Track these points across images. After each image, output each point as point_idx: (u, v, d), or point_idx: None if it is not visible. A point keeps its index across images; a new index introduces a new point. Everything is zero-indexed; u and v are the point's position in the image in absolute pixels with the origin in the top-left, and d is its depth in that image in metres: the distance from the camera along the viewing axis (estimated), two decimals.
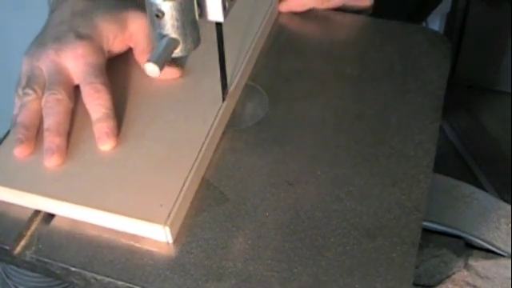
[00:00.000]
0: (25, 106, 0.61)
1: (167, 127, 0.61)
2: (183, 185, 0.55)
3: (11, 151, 0.59)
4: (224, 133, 0.63)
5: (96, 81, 0.61)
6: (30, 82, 0.62)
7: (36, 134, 0.60)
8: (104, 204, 0.54)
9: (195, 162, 0.57)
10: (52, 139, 0.58)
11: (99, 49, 0.63)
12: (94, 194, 0.55)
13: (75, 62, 0.61)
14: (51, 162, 0.58)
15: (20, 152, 0.59)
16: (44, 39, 0.63)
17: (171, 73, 0.65)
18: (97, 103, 0.60)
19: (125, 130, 0.61)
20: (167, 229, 0.53)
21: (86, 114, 0.61)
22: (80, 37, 0.62)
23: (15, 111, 0.63)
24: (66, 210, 0.55)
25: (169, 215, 0.53)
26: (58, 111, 0.60)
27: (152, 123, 0.61)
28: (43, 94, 0.61)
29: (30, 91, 0.61)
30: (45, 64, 0.62)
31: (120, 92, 0.64)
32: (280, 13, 0.75)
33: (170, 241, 0.53)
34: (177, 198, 0.54)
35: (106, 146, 0.59)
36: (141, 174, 0.57)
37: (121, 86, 0.65)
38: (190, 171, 0.57)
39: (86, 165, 0.58)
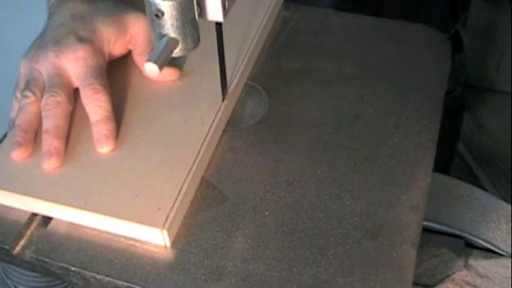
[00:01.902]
0: (23, 108, 0.60)
1: (165, 130, 0.61)
2: (181, 188, 0.55)
3: (9, 154, 0.58)
4: (224, 132, 0.63)
5: (95, 82, 0.61)
6: (29, 84, 0.61)
7: (34, 137, 0.60)
8: (101, 207, 0.54)
9: (193, 164, 0.57)
10: (51, 142, 0.58)
11: (100, 52, 0.63)
12: (91, 198, 0.55)
13: (75, 64, 0.61)
14: (49, 164, 0.57)
15: (18, 155, 0.58)
16: (43, 42, 0.63)
17: (169, 75, 0.65)
18: (96, 105, 0.60)
19: (123, 132, 0.60)
20: (165, 232, 0.52)
21: (84, 116, 0.61)
22: (81, 40, 0.62)
23: (13, 114, 0.63)
24: (64, 214, 0.55)
25: (166, 219, 0.53)
26: (57, 114, 0.59)
27: (150, 126, 0.61)
28: (42, 96, 0.61)
29: (29, 94, 0.61)
30: (44, 66, 0.62)
31: (118, 94, 0.64)
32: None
33: (168, 244, 0.53)
34: (175, 201, 0.54)
35: (104, 148, 0.59)
36: (138, 177, 0.56)
37: (119, 88, 0.65)
38: (189, 174, 0.56)
39: (84, 168, 0.57)
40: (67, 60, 0.61)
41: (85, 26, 0.63)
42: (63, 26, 0.63)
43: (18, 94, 0.63)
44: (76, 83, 0.62)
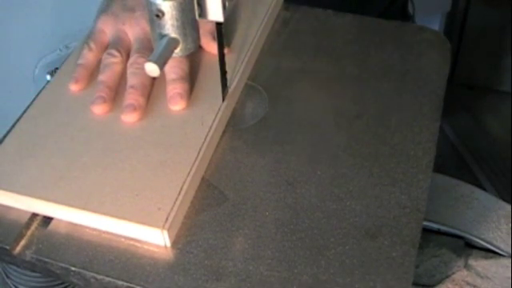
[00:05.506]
0: (110, 66, 0.62)
1: (165, 130, 0.61)
2: (181, 188, 0.55)
3: (9, 154, 0.58)
4: (224, 132, 0.63)
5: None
6: (116, 44, 0.63)
7: (115, 95, 0.61)
8: (102, 208, 0.54)
9: (194, 164, 0.57)
10: (136, 97, 0.60)
11: None
12: (91, 198, 0.55)
13: None
14: (130, 118, 0.60)
15: (100, 110, 0.60)
16: (127, 4, 0.64)
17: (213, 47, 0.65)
18: (177, 66, 0.62)
19: (123, 132, 0.61)
20: (165, 232, 0.52)
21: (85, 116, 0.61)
22: None
23: (81, 60, 0.64)
24: (64, 214, 0.55)
25: (167, 219, 0.53)
26: (145, 73, 0.60)
27: (150, 126, 0.61)
28: (126, 58, 0.63)
29: (116, 53, 0.63)
30: (133, 29, 0.64)
31: (118, 95, 0.64)
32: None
33: (168, 244, 0.53)
34: (175, 201, 0.54)
35: (177, 106, 0.61)
36: (139, 178, 0.56)
37: (118, 89, 0.65)
38: (189, 174, 0.56)
39: (84, 168, 0.57)
40: None
41: None
42: None
43: (92, 44, 0.64)
44: None
